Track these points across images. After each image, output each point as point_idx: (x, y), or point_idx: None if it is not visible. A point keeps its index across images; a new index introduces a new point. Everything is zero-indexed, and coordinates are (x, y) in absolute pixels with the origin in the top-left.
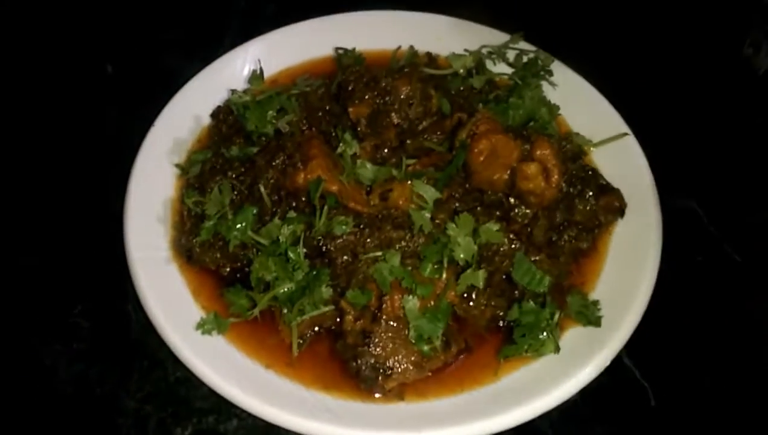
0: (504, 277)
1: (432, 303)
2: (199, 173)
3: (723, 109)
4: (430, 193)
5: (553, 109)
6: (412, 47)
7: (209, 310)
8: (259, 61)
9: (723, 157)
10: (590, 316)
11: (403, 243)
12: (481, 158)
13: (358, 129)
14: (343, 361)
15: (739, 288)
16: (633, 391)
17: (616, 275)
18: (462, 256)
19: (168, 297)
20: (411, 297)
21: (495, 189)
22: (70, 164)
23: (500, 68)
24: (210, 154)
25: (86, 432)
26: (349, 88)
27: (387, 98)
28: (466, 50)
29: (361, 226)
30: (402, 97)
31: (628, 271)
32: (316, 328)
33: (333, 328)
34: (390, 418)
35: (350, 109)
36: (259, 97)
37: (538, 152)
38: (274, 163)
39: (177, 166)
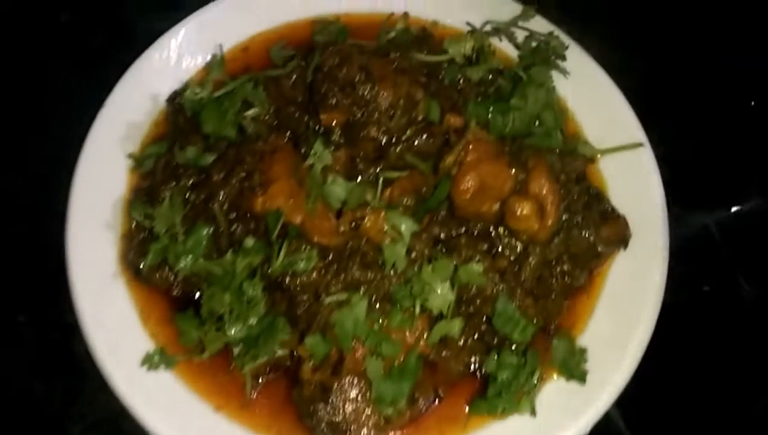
0: (484, 318)
1: (400, 359)
2: (150, 169)
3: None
4: (407, 225)
5: (560, 115)
6: (406, 14)
7: (158, 337)
8: (221, 46)
9: (751, 175)
10: (575, 370)
11: (375, 284)
12: (468, 196)
13: (332, 137)
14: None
15: (745, 327)
16: None
17: (610, 317)
18: (436, 305)
19: (111, 320)
20: (374, 358)
21: (482, 220)
22: (12, 138)
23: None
24: (165, 148)
25: None
26: (321, 91)
27: (365, 110)
28: (468, 24)
29: (327, 260)
30: (383, 107)
31: (623, 314)
32: (272, 369)
33: (291, 368)
34: None
35: (322, 116)
36: (218, 93)
37: (535, 186)
38: (230, 180)
39: (130, 156)
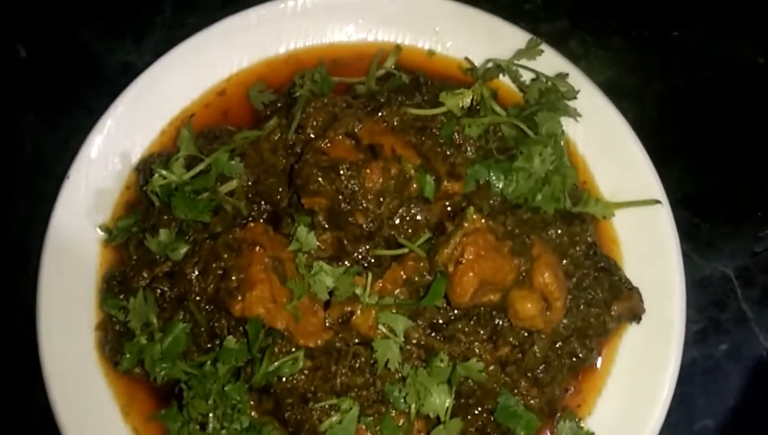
0: (485, 406)
1: None
2: (123, 242)
3: None
4: (400, 324)
5: (569, 176)
6: (397, 48)
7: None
8: (189, 118)
9: None
10: None
11: (365, 390)
12: (466, 299)
13: (316, 218)
14: None
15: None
16: None
17: (620, 396)
18: (433, 409)
19: (90, 415)
20: None
21: (483, 306)
22: None
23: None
24: (137, 220)
25: None
26: (303, 175)
27: (350, 199)
28: (467, 59)
29: (314, 360)
30: (370, 196)
31: (635, 393)
32: None
33: None
34: None
35: (304, 201)
36: (189, 174)
37: (540, 280)
38: (206, 278)
39: (101, 228)
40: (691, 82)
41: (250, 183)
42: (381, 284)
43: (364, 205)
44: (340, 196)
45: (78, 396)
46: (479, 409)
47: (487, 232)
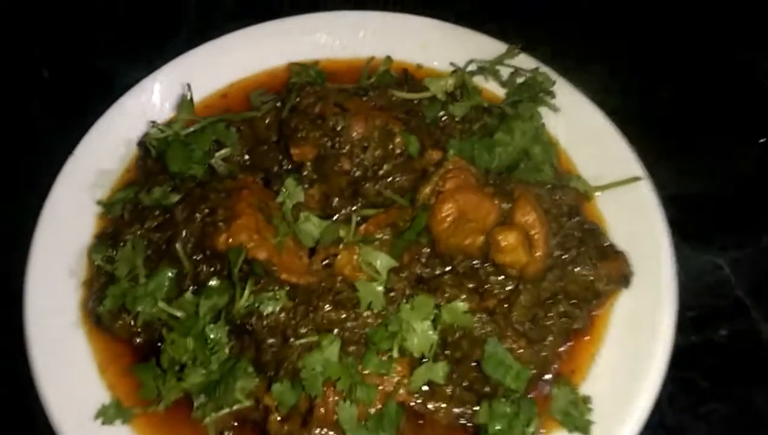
0: (474, 363)
1: (378, 406)
2: (119, 215)
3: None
4: (383, 261)
5: (549, 148)
6: (388, 58)
7: (116, 389)
8: (188, 86)
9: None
10: (578, 420)
11: (349, 324)
12: (445, 225)
13: (304, 172)
14: None
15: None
16: None
17: (614, 363)
18: (416, 346)
19: (66, 370)
20: (347, 404)
21: (468, 255)
22: None
23: (495, 85)
24: (133, 193)
25: None
26: (292, 125)
27: (337, 139)
28: (452, 64)
29: (295, 301)
30: (355, 139)
31: (630, 358)
32: (239, 422)
33: (260, 421)
34: None
35: (293, 151)
36: (186, 131)
37: (520, 216)
38: (195, 218)
39: (99, 203)
40: (669, 98)
41: (245, 156)
42: (365, 227)
43: (349, 147)
44: (326, 139)
45: (56, 354)
46: (466, 364)
47: (467, 170)
